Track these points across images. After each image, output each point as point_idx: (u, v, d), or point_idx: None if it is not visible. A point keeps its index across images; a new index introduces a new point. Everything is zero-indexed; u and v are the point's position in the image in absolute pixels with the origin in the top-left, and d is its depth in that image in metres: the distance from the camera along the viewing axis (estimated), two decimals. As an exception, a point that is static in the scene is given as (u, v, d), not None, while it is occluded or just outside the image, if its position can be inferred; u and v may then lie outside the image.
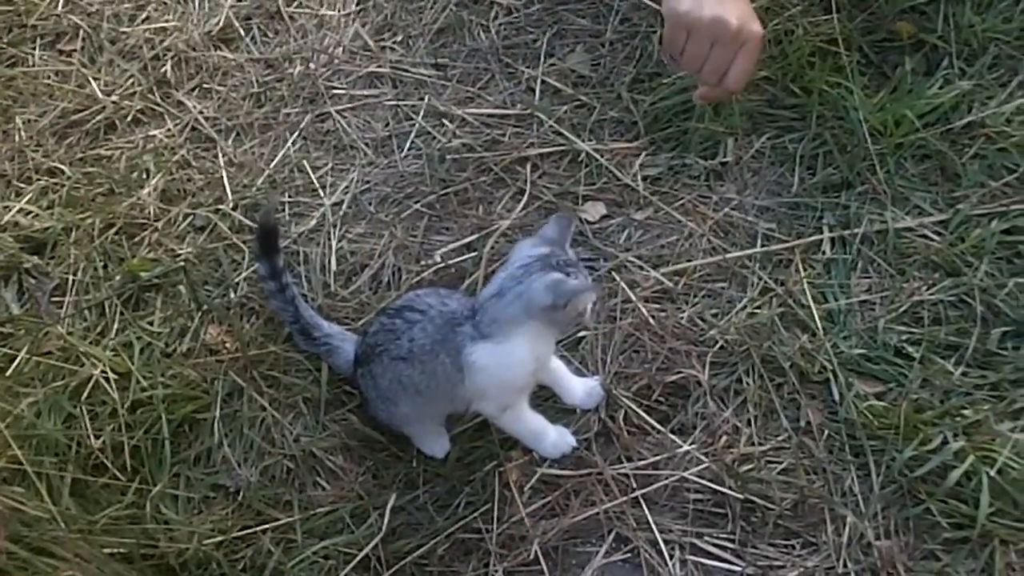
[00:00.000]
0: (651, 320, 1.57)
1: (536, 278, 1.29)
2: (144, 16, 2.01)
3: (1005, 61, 1.77)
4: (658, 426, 1.49)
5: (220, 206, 1.74)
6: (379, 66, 1.90)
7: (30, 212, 1.75)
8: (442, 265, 1.65)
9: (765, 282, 1.60)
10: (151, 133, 1.85)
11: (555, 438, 1.46)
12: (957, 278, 1.57)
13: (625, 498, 1.44)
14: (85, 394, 1.53)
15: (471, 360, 1.33)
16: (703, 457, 1.46)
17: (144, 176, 1.78)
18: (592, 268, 1.58)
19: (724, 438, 1.47)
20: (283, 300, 1.52)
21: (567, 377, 1.48)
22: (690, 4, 1.38)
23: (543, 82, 1.84)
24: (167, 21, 2.00)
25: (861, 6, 1.83)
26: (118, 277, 1.66)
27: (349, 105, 1.87)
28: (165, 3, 2.02)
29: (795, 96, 1.76)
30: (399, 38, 1.94)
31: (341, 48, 1.94)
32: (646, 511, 1.42)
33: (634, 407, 1.50)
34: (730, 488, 1.43)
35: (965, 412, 1.44)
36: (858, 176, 1.68)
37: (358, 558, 1.40)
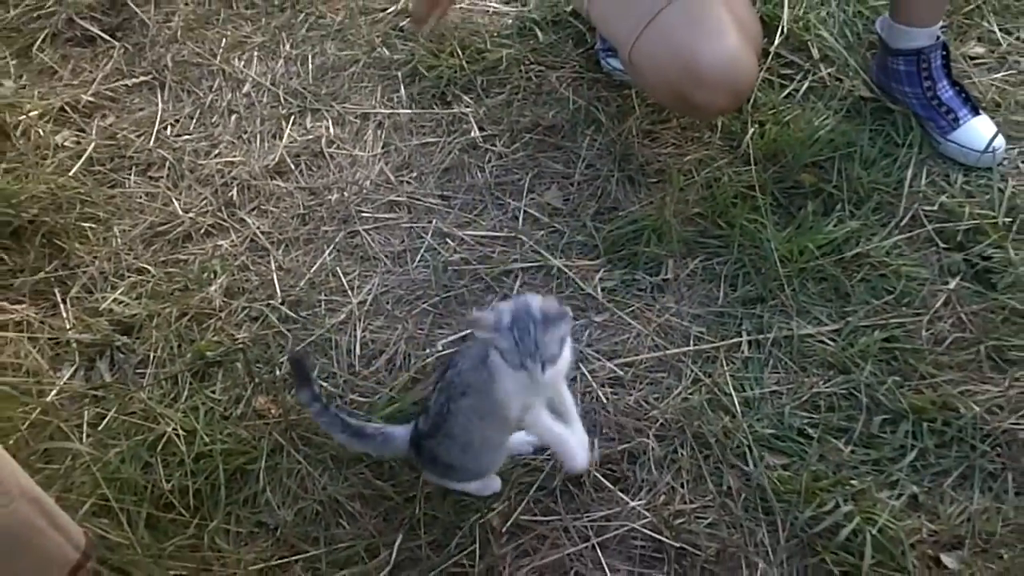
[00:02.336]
0: (606, 401, 1.60)
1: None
2: (217, 152, 2.04)
3: (885, 206, 1.82)
4: (611, 486, 1.51)
5: (271, 301, 1.76)
6: (398, 196, 1.93)
7: (122, 302, 1.77)
8: (443, 352, 1.67)
9: (696, 374, 1.62)
10: (219, 243, 1.87)
11: (575, 443, 1.39)
12: (847, 375, 1.60)
13: (584, 544, 1.45)
14: (160, 447, 1.55)
15: (494, 362, 1.29)
16: (646, 512, 1.47)
17: (212, 276, 1.80)
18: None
19: (663, 497, 1.49)
20: (329, 416, 1.48)
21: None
22: None
23: (525, 212, 1.87)
24: (235, 156, 2.03)
25: (773, 160, 1.88)
26: (189, 355, 1.68)
27: (374, 225, 1.89)
28: (233, 142, 2.06)
29: (721, 229, 1.80)
30: (414, 174, 1.97)
31: (369, 181, 1.96)
32: (600, 554, 1.44)
33: (592, 470, 1.52)
34: (667, 537, 1.44)
35: (853, 482, 1.47)
36: (770, 293, 1.71)
37: (370, 586, 1.41)
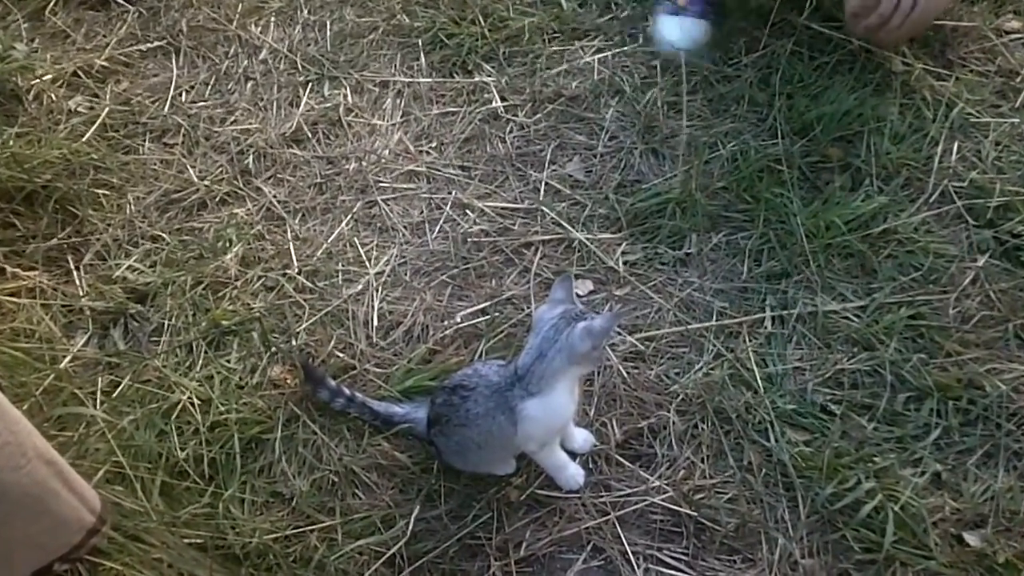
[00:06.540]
0: (627, 376, 1.60)
1: (569, 332, 1.31)
2: (233, 119, 2.04)
3: (914, 182, 1.81)
4: (628, 464, 1.51)
5: (287, 271, 1.76)
6: (417, 166, 1.93)
7: (136, 269, 1.77)
8: (461, 325, 1.67)
9: (718, 349, 1.62)
10: (234, 211, 1.87)
11: (572, 472, 1.48)
12: (872, 352, 1.60)
13: (603, 518, 1.46)
14: (174, 415, 1.56)
15: (525, 414, 1.34)
16: (666, 487, 1.48)
17: (228, 245, 1.80)
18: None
19: (683, 472, 1.50)
20: (357, 408, 1.53)
21: (571, 426, 1.49)
22: None
23: (546, 184, 1.87)
24: (251, 124, 2.02)
25: (800, 134, 1.87)
26: (204, 323, 1.68)
27: (392, 196, 1.89)
28: (250, 109, 2.05)
29: (746, 203, 1.79)
30: (433, 144, 1.96)
31: (387, 150, 1.96)
32: (619, 528, 1.45)
33: (613, 445, 1.52)
34: (686, 512, 1.45)
35: (875, 459, 1.47)
36: (795, 268, 1.70)
37: (386, 556, 1.43)
